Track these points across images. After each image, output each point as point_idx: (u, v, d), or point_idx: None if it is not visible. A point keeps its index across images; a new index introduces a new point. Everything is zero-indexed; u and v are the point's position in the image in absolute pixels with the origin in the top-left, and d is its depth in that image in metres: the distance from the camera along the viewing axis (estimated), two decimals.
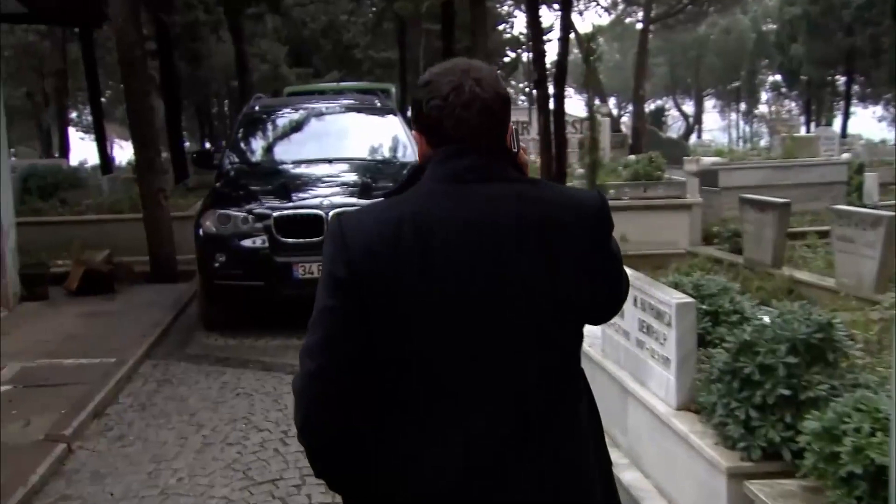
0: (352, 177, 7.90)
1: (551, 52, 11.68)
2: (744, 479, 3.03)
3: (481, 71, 1.56)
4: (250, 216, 7.22)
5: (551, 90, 9.32)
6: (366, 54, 28.59)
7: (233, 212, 7.28)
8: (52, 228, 10.59)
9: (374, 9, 26.13)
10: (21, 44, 27.56)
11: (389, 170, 7.99)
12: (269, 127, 9.07)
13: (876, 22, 28.43)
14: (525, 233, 1.50)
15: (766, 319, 3.89)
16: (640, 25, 34.21)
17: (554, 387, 1.56)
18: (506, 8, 31.64)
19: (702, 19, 40.09)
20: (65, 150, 26.85)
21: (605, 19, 40.13)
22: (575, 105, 46.50)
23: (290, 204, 7.24)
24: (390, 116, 9.07)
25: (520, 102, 29.70)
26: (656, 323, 3.88)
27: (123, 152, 38.51)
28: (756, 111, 54.99)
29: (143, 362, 6.58)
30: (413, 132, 1.65)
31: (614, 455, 4.22)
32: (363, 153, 8.47)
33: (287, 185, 7.62)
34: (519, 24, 33.16)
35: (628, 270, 4.41)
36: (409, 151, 8.08)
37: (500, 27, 31.86)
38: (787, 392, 3.05)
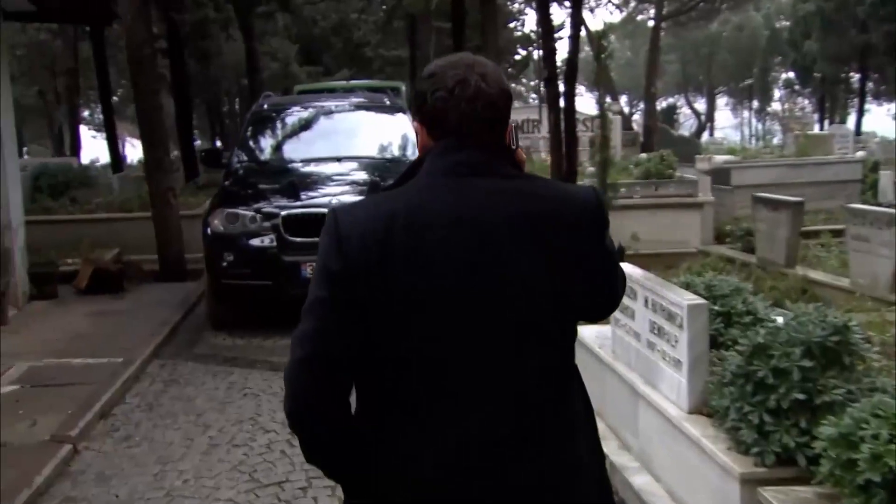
0: (361, 175, 7.85)
1: (562, 49, 11.63)
2: (757, 485, 2.97)
3: (486, 66, 1.57)
4: (258, 215, 7.19)
5: (562, 88, 9.25)
6: (376, 52, 28.54)
7: (241, 211, 7.25)
8: (62, 227, 10.59)
9: (384, 7, 26.07)
10: (33, 42, 27.67)
11: (399, 168, 7.91)
12: (278, 125, 9.04)
13: (890, 18, 28.13)
14: (522, 229, 1.50)
15: (780, 321, 3.82)
16: (651, 23, 34.01)
17: (553, 385, 1.57)
18: (516, 5, 31.54)
19: (714, 16, 39.83)
20: (76, 149, 26.92)
21: (617, 17, 39.97)
22: (586, 103, 46.36)
23: (299, 203, 7.20)
24: (399, 115, 9.01)
25: (531, 100, 29.62)
26: (668, 324, 3.81)
27: (135, 151, 38.70)
28: (769, 109, 54.63)
29: (151, 362, 6.55)
30: (414, 123, 1.64)
31: (625, 458, 4.19)
32: (372, 151, 8.42)
33: (295, 183, 7.58)
34: (530, 21, 33.06)
35: (639, 270, 4.38)
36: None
37: (511, 25, 31.74)
38: (801, 396, 2.98)
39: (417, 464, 1.50)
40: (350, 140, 8.48)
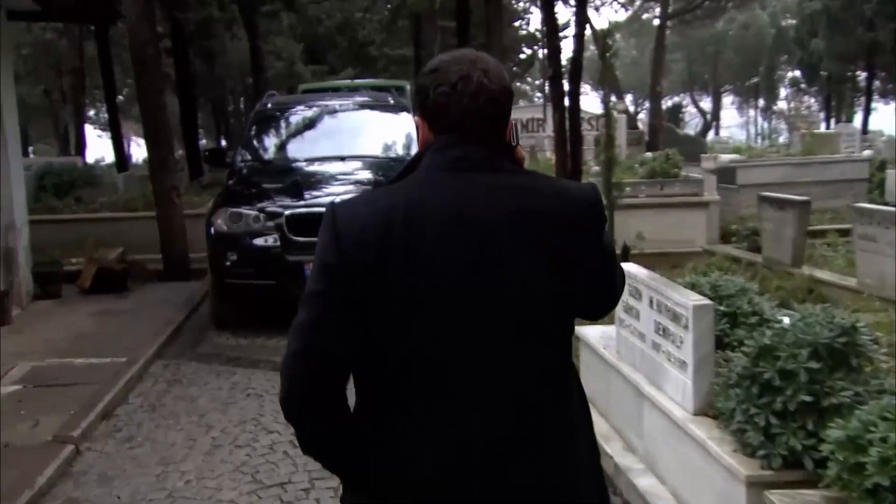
0: (365, 175, 7.82)
1: (567, 48, 11.61)
2: (764, 488, 2.94)
3: (488, 63, 1.57)
4: (262, 215, 7.17)
5: (566, 87, 9.22)
6: (381, 51, 28.50)
7: (244, 210, 7.23)
8: (67, 226, 10.59)
9: (389, 6, 26.04)
10: (38, 42, 27.70)
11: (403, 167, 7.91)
12: (282, 124, 9.01)
13: None
14: (522, 226, 1.50)
15: (786, 321, 3.79)
16: (657, 21, 33.92)
17: (553, 385, 1.58)
18: (521, 4, 31.47)
19: (720, 15, 39.69)
20: (81, 148, 26.93)
21: (622, 15, 39.83)
22: (591, 102, 46.28)
23: (302, 202, 7.17)
24: (404, 113, 8.97)
25: (535, 99, 29.57)
26: (672, 325, 3.78)
27: (140, 150, 38.65)
28: (775, 107, 54.45)
29: (154, 362, 6.53)
30: (415, 118, 1.64)
31: (629, 460, 4.16)
32: (376, 151, 8.39)
33: (299, 183, 7.56)
34: (535, 20, 33.03)
35: (643, 270, 4.34)
36: None
37: (516, 24, 31.68)
38: (808, 398, 2.95)
39: (417, 464, 1.50)
40: (354, 139, 8.45)
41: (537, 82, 39.71)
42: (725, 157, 15.29)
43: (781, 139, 32.01)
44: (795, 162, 14.10)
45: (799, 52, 38.18)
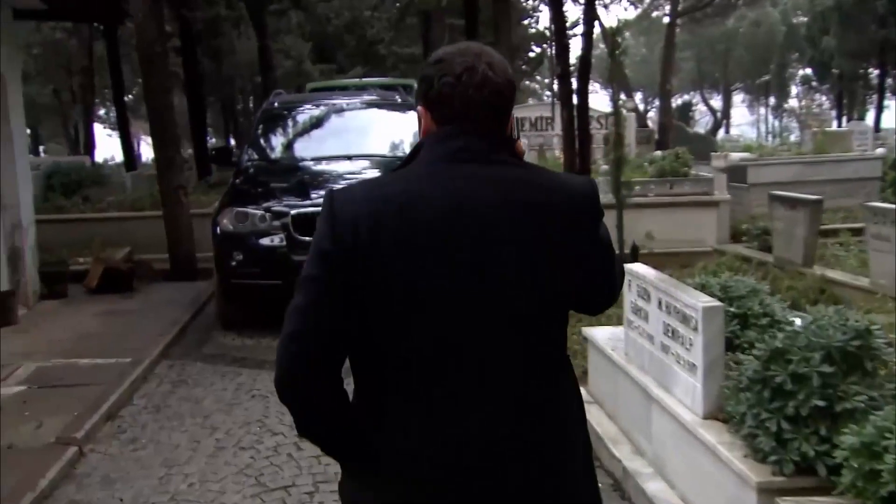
0: (372, 173, 7.76)
1: (577, 46, 11.52)
2: (775, 495, 2.87)
3: (493, 56, 1.58)
4: (268, 214, 7.13)
5: (575, 85, 9.14)
6: (389, 50, 28.44)
7: (250, 210, 7.20)
8: (74, 226, 10.60)
9: (397, 4, 25.98)
10: (48, 41, 27.77)
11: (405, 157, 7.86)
12: (289, 123, 8.98)
13: None
14: (521, 219, 1.50)
15: (798, 322, 3.71)
16: (667, 19, 33.75)
17: (553, 383, 1.59)
18: (531, 2, 31.35)
19: (730, 12, 39.49)
20: (90, 148, 26.98)
21: (632, 13, 39.65)
22: (600, 100, 46.11)
23: (308, 202, 7.12)
24: (411, 112, 8.91)
25: (545, 98, 29.47)
26: (682, 327, 3.71)
27: (150, 149, 38.62)
28: (786, 105, 54.11)
29: (160, 362, 6.50)
30: (419, 107, 1.63)
31: (638, 463, 4.09)
32: (383, 149, 8.33)
33: (305, 182, 7.52)
34: (544, 18, 32.89)
35: (652, 271, 4.27)
36: None
37: (525, 22, 31.57)
38: (821, 403, 2.88)
39: (417, 463, 1.50)
40: (361, 138, 8.40)
41: (546, 81, 39.60)
42: (736, 156, 15.17)
43: (793, 137, 31.77)
44: (807, 160, 13.97)
45: (810, 50, 37.93)
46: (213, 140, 37.43)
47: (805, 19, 41.60)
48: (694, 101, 55.26)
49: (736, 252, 9.16)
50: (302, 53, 25.76)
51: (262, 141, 8.79)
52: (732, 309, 4.02)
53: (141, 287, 9.02)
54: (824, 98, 47.28)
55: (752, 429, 3.08)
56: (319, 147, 8.34)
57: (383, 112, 9.16)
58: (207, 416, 5.33)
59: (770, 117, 56.35)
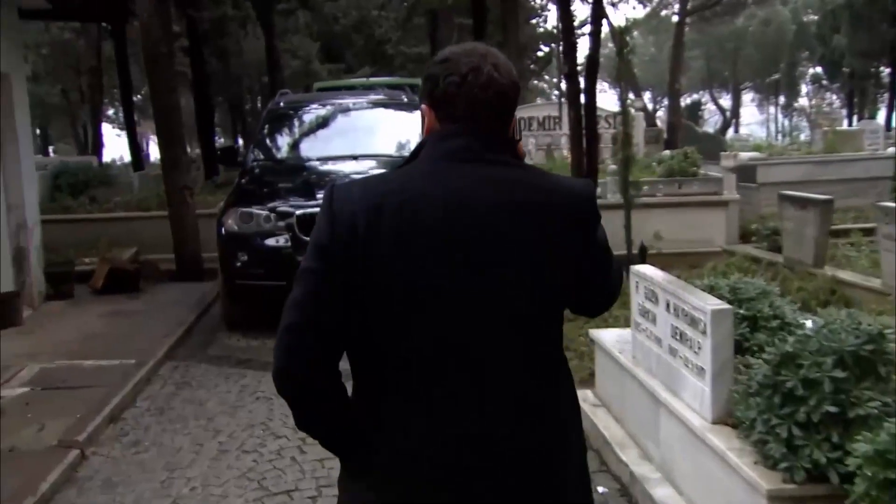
0: (378, 173, 7.71)
1: (585, 45, 11.43)
2: (786, 503, 2.81)
3: (498, 57, 1.59)
4: (273, 214, 7.09)
5: (583, 84, 9.06)
6: (397, 49, 28.43)
7: (255, 210, 7.16)
8: (81, 226, 10.60)
9: (405, 3, 25.94)
10: (57, 42, 27.84)
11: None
12: (294, 123, 8.93)
13: None
14: (519, 218, 1.51)
15: (809, 325, 3.64)
16: (676, 18, 33.59)
17: (552, 383, 1.60)
18: (538, 1, 31.25)
19: (740, 11, 39.28)
20: (97, 148, 27.03)
21: (641, 12, 39.49)
22: (608, 99, 45.96)
23: (314, 202, 7.06)
24: (417, 112, 8.84)
25: (553, 97, 29.35)
26: (690, 330, 3.64)
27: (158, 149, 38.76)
28: (796, 104, 53.82)
29: (164, 364, 6.47)
30: (423, 106, 1.64)
31: (645, 468, 4.03)
32: (390, 149, 8.27)
33: (310, 182, 7.47)
34: (553, 18, 32.76)
35: (660, 273, 4.20)
36: None
37: (533, 21, 31.48)
38: (833, 409, 2.80)
39: (416, 463, 1.50)
40: (367, 138, 8.35)
41: (555, 80, 39.47)
42: (745, 155, 15.07)
43: (803, 136, 31.57)
44: (817, 160, 13.86)
45: (820, 49, 37.70)
46: (222, 140, 37.47)
47: (815, 17, 41.37)
48: (703, 100, 55.05)
49: (745, 252, 9.07)
50: (310, 53, 25.77)
51: (267, 141, 8.75)
52: (742, 311, 3.95)
53: (147, 287, 8.99)
54: (835, 97, 47.02)
55: (763, 435, 3.01)
56: (325, 147, 8.29)
57: (389, 111, 9.11)
58: (211, 418, 5.29)
59: (780, 116, 56.06)
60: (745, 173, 12.33)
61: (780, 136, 44.20)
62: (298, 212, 6.97)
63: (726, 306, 3.52)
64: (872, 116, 34.67)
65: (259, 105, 33.72)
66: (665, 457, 3.90)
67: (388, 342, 1.50)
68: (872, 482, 2.46)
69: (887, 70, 35.24)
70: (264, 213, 7.10)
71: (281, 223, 7.02)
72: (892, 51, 31.96)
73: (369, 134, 8.45)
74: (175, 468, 4.52)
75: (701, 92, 55.28)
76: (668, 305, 3.92)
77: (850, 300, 6.65)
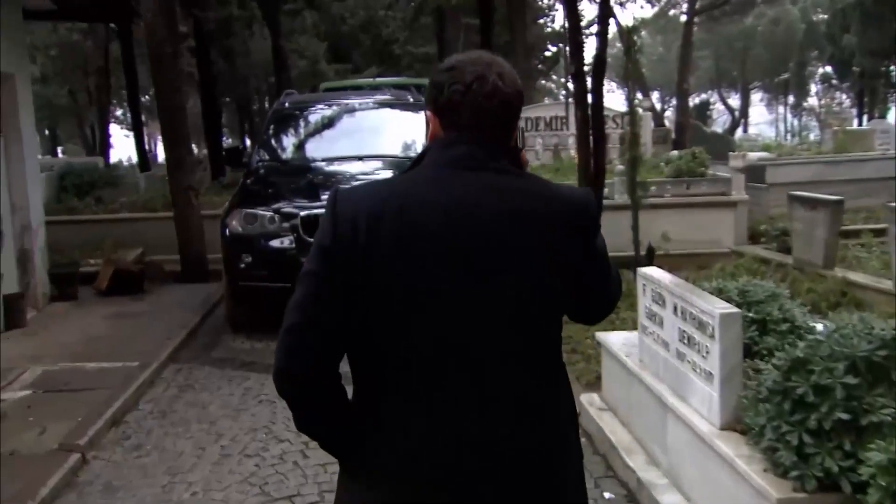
0: (383, 174, 7.64)
1: (593, 45, 11.38)
2: None
3: (503, 66, 1.60)
4: (277, 216, 7.04)
5: (590, 84, 8.98)
6: (404, 49, 28.41)
7: (259, 211, 7.11)
8: (86, 227, 10.58)
9: (412, 3, 25.91)
10: (65, 43, 27.89)
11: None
12: (300, 124, 8.88)
13: None
14: (519, 225, 1.52)
15: (820, 328, 3.57)
16: (684, 17, 33.45)
17: (553, 382, 1.62)
18: (546, 1, 31.18)
19: (749, 10, 39.08)
20: (104, 148, 27.06)
21: (649, 11, 39.31)
22: (616, 99, 45.81)
23: (318, 203, 7.01)
24: (423, 112, 8.78)
25: (560, 97, 29.24)
26: (698, 334, 3.57)
27: None
28: (805, 104, 53.55)
29: (167, 366, 6.43)
30: (427, 112, 1.65)
31: (653, 474, 3.96)
32: (395, 150, 8.21)
33: (315, 183, 7.42)
34: (560, 17, 32.67)
35: (667, 276, 4.12)
36: None
37: (541, 21, 31.41)
38: (845, 416, 2.74)
39: (417, 464, 1.51)
40: (372, 138, 8.29)
41: (562, 80, 39.35)
42: (754, 156, 14.97)
43: (812, 136, 31.40)
44: (827, 160, 13.75)
45: (830, 48, 37.48)
46: (230, 140, 37.51)
47: (825, 17, 41.16)
48: (712, 100, 54.80)
49: (754, 253, 9.00)
50: (317, 53, 25.75)
51: (272, 141, 8.71)
52: (751, 314, 3.89)
53: (151, 289, 8.96)
54: (844, 96, 46.76)
55: (772, 442, 2.94)
56: (330, 147, 8.24)
57: (395, 112, 9.04)
58: (213, 421, 5.24)
59: (789, 116, 55.76)
60: (754, 174, 12.24)
61: (789, 136, 44.02)
62: (303, 213, 6.92)
63: (735, 310, 3.45)
64: (883, 116, 34.42)
65: (266, 105, 33.73)
66: (672, 462, 3.83)
67: (388, 342, 1.51)
68: (886, 492, 2.39)
69: None
70: (269, 214, 7.06)
71: (285, 224, 6.97)
72: None
73: (375, 134, 8.39)
74: (176, 472, 4.47)
75: (709, 92, 55.05)
76: (675, 308, 3.85)
77: (860, 302, 6.57)
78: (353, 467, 1.61)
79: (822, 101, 51.33)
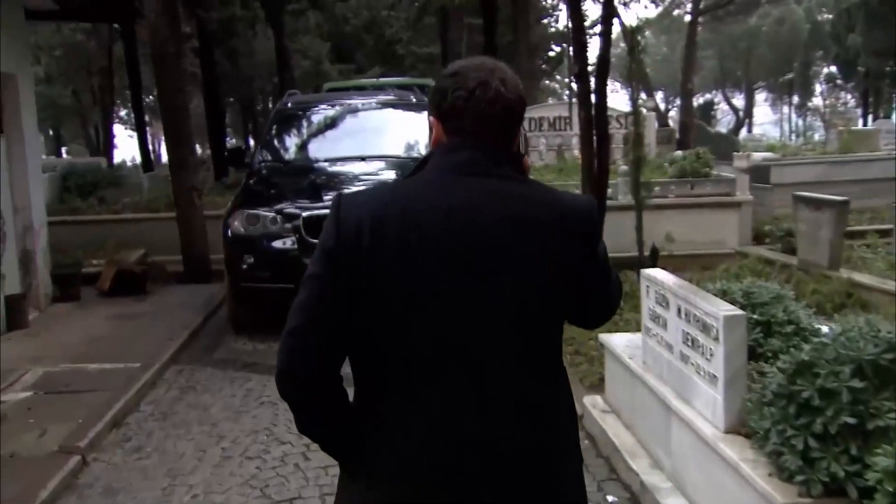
0: (386, 175, 7.62)
1: (596, 45, 11.26)
2: None
3: (506, 72, 1.62)
4: (279, 216, 7.01)
5: (593, 84, 8.94)
6: (408, 50, 28.39)
7: (262, 212, 7.09)
8: (89, 227, 10.56)
9: (415, 3, 25.89)
10: (69, 43, 27.91)
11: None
12: (302, 124, 8.85)
13: None
14: (521, 231, 1.54)
15: (825, 330, 3.54)
16: (688, 17, 33.36)
17: (553, 382, 1.63)
18: (550, 1, 31.11)
19: (753, 10, 38.98)
20: (108, 149, 27.07)
21: (653, 11, 39.22)
22: (620, 99, 45.74)
23: (321, 203, 6.99)
24: (426, 112, 8.73)
25: (564, 97, 29.21)
26: (702, 336, 3.54)
27: None
28: (810, 104, 53.38)
29: (169, 367, 6.40)
30: (431, 118, 1.66)
31: (656, 478, 3.93)
32: (398, 150, 8.18)
33: (317, 184, 7.40)
34: (564, 17, 32.58)
35: (671, 277, 4.08)
36: None
37: (545, 21, 31.35)
38: (852, 420, 2.70)
39: (416, 464, 1.52)
40: (376, 139, 8.25)
41: (566, 80, 39.29)
42: (758, 156, 14.88)
43: (817, 136, 31.28)
44: (832, 160, 13.69)
45: (835, 47, 37.35)
46: (234, 141, 37.52)
47: (830, 16, 41.02)
48: (716, 99, 54.68)
49: (758, 254, 8.95)
50: (320, 53, 25.74)
51: (274, 142, 8.68)
52: (755, 316, 3.86)
53: (154, 289, 8.94)
54: (849, 96, 46.59)
55: (777, 446, 2.90)
56: (333, 148, 8.21)
57: (398, 112, 9.01)
58: (215, 423, 5.21)
59: (794, 116, 55.63)
60: (759, 174, 12.18)
61: (793, 136, 43.86)
62: (305, 214, 6.89)
63: (739, 312, 3.42)
64: (888, 116, 34.24)
65: (270, 105, 33.74)
66: (676, 466, 3.80)
67: (389, 343, 1.52)
68: (894, 498, 2.36)
69: None
70: (271, 214, 7.03)
71: (288, 225, 6.94)
72: None
73: (377, 135, 8.36)
74: (177, 475, 4.45)
75: (713, 92, 54.93)
76: (679, 310, 3.82)
77: (866, 303, 6.52)
78: (353, 467, 1.62)
79: (827, 101, 51.14)
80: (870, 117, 35.53)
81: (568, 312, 1.67)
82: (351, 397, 1.62)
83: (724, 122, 52.92)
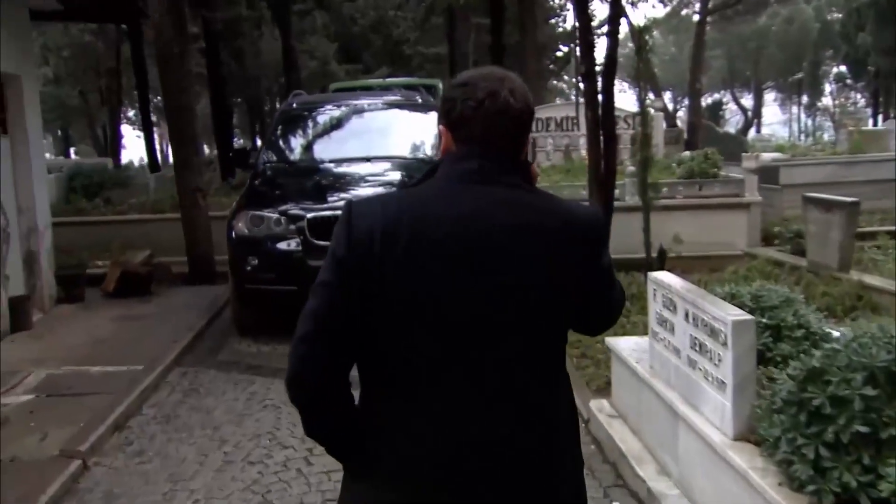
0: (391, 176, 7.57)
1: (604, 45, 11.19)
2: None
3: (515, 82, 1.64)
4: (283, 218, 6.96)
5: (601, 84, 8.86)
6: (415, 50, 28.35)
7: (266, 213, 7.04)
8: (95, 228, 10.54)
9: (422, 2, 25.83)
10: (77, 44, 27.96)
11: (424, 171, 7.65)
12: (307, 124, 8.80)
13: None
14: (526, 239, 1.56)
15: (836, 334, 3.46)
16: (696, 17, 33.22)
17: (554, 383, 1.65)
18: (557, 1, 31.02)
19: (762, 9, 38.81)
20: (116, 149, 27.11)
21: (661, 11, 39.07)
22: (628, 99, 45.60)
23: (325, 205, 6.95)
24: (432, 113, 8.69)
25: (572, 97, 29.14)
26: (710, 341, 3.47)
27: None
28: (819, 104, 53.12)
29: (172, 370, 6.36)
30: (440, 127, 1.68)
31: (663, 485, 3.86)
32: (404, 151, 8.13)
33: (322, 185, 7.34)
34: (572, 17, 32.49)
35: (679, 281, 4.02)
36: None
37: (552, 21, 31.26)
38: (864, 429, 2.62)
39: (417, 464, 1.54)
40: (381, 139, 8.21)
41: (574, 80, 39.19)
42: (767, 156, 14.79)
43: (826, 137, 31.11)
44: (842, 160, 13.56)
45: (845, 47, 37.17)
46: (241, 141, 37.56)
47: (839, 16, 40.80)
48: (724, 100, 54.48)
49: (768, 256, 8.86)
50: (327, 54, 25.73)
51: (279, 143, 8.63)
52: (764, 320, 3.79)
53: (159, 290, 8.91)
54: (859, 96, 46.37)
55: (788, 454, 2.83)
56: (338, 149, 8.15)
57: (404, 112, 8.96)
58: (217, 427, 5.17)
59: (803, 116, 55.32)
60: (768, 174, 12.09)
61: (803, 137, 43.60)
62: (310, 215, 6.84)
63: (748, 317, 3.35)
64: None
65: (277, 106, 33.75)
66: (684, 473, 3.73)
67: (391, 344, 1.54)
68: None
69: None
70: (275, 216, 6.98)
71: (292, 226, 6.89)
72: None
73: (383, 135, 8.31)
74: (178, 479, 4.40)
75: (722, 92, 54.72)
76: (686, 315, 3.75)
77: (876, 306, 6.44)
78: (355, 468, 1.64)
79: (837, 101, 50.92)
80: (880, 117, 35.33)
81: (569, 316, 1.67)
82: (356, 399, 1.64)
83: (732, 122, 52.73)
